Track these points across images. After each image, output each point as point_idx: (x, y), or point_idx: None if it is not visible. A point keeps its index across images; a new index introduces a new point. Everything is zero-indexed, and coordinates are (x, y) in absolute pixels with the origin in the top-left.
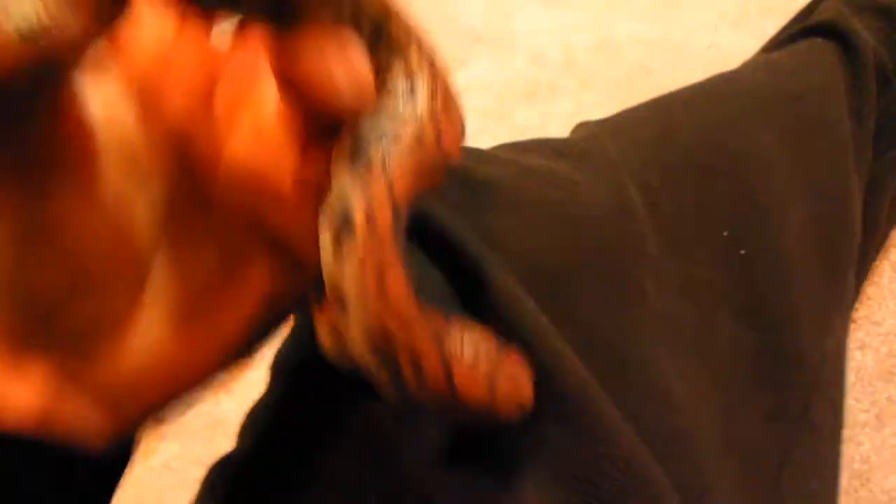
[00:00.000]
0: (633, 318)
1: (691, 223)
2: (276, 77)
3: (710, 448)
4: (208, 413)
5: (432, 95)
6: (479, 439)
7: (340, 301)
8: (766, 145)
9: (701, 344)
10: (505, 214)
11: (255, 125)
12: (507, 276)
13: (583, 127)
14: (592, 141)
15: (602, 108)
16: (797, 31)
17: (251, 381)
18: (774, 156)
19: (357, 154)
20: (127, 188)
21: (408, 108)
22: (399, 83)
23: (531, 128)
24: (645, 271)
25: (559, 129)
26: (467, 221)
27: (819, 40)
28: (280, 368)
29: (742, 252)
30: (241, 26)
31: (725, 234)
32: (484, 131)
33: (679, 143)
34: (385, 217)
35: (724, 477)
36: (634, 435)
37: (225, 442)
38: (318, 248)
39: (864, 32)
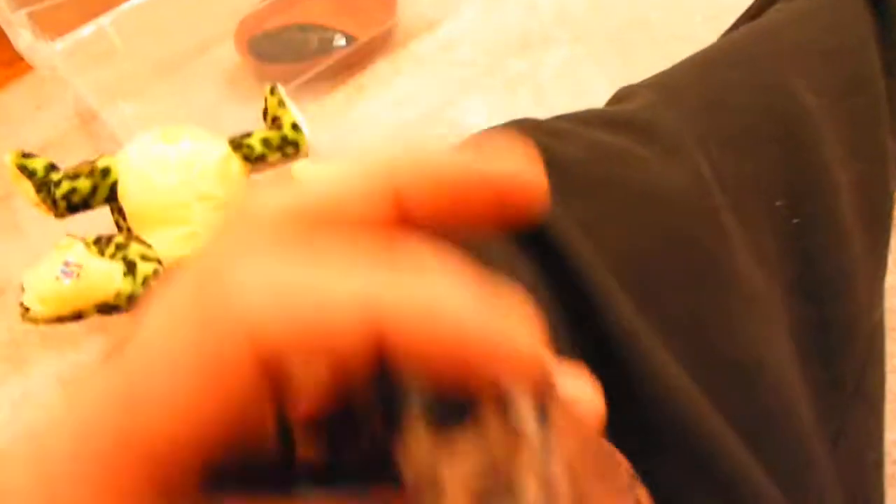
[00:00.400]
0: (724, 300)
1: (751, 193)
2: None
3: (806, 425)
4: None
5: None
6: None
7: None
8: (810, 107)
9: (777, 318)
10: (590, 199)
11: None
12: (605, 277)
13: (631, 92)
14: (651, 110)
15: (596, 59)
16: None
17: None
18: (819, 118)
19: None
20: None
21: None
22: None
23: (523, 78)
24: (728, 248)
25: (551, 80)
26: (559, 209)
27: None
28: None
29: (795, 221)
30: None
31: (779, 203)
32: (475, 83)
33: (730, 108)
34: None
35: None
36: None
37: None
38: None
39: None
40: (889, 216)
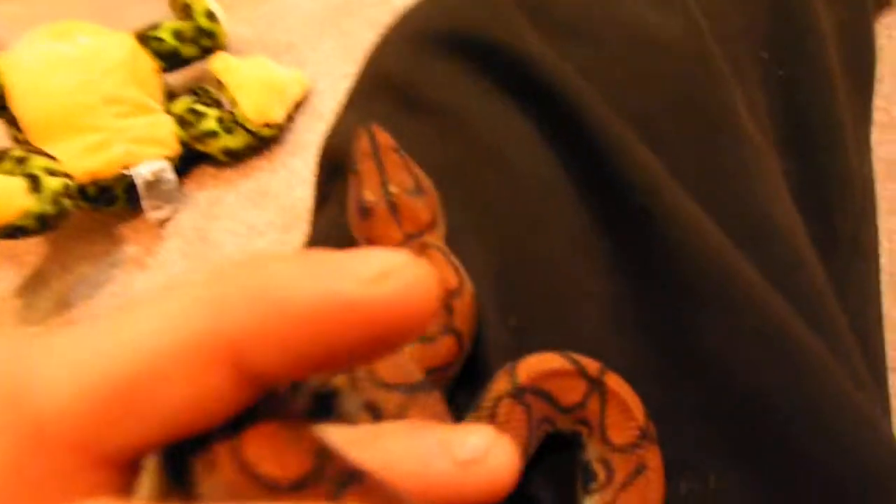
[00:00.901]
0: (735, 152)
1: (740, 44)
2: None
3: (820, 279)
4: (124, 293)
5: None
6: None
7: None
8: None
9: (777, 172)
10: (587, 44)
11: None
12: (607, 112)
13: None
14: None
15: None
16: None
17: (167, 256)
18: None
19: None
20: None
21: None
22: None
23: None
24: (731, 98)
25: None
26: (555, 55)
27: None
28: None
29: (780, 73)
30: None
31: (764, 55)
32: None
33: None
34: None
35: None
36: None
37: None
38: None
39: None
40: (872, 66)
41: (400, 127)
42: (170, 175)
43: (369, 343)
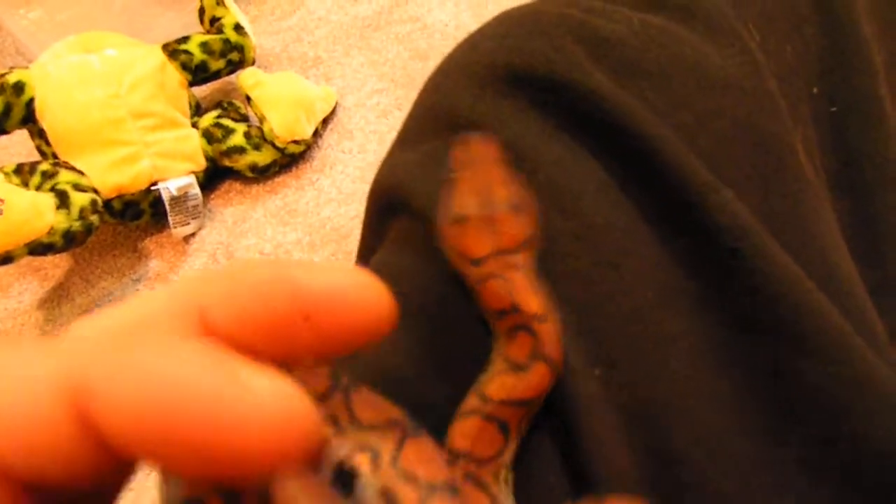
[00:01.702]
0: (796, 197)
1: (793, 79)
2: None
3: (881, 334)
4: None
5: None
6: None
7: None
8: None
9: (832, 215)
10: (651, 83)
11: None
12: (686, 152)
13: None
14: None
15: None
16: None
17: (192, 272)
18: None
19: None
20: None
21: None
22: None
23: None
24: (791, 138)
25: None
26: (623, 92)
27: None
28: None
29: (833, 110)
30: None
31: (816, 90)
32: None
33: None
34: None
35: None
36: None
37: None
38: None
39: None
40: None
41: None
42: (196, 191)
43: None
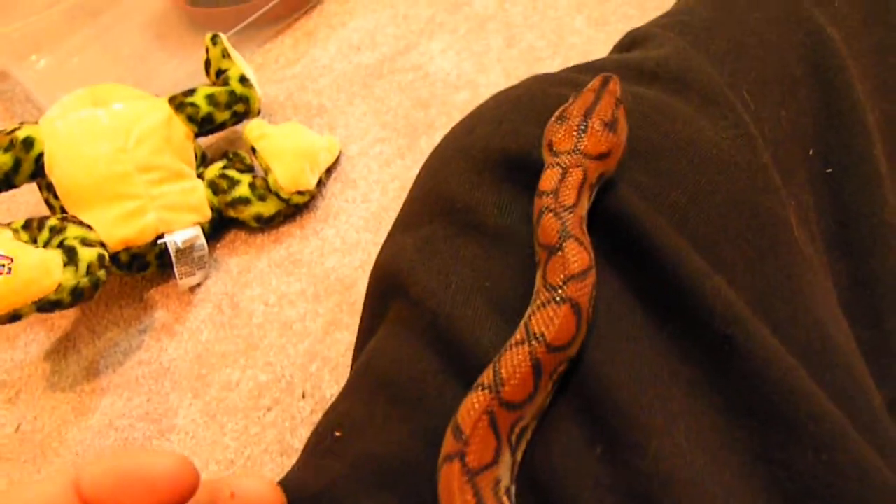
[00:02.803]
0: (790, 273)
1: (788, 143)
2: None
3: (878, 404)
4: (152, 360)
5: None
6: None
7: None
8: (836, 41)
9: (827, 283)
10: (644, 163)
11: None
12: (676, 236)
13: (647, 35)
14: (680, 57)
15: None
16: None
17: (197, 323)
18: (844, 52)
19: None
20: None
21: None
22: None
23: (491, 16)
24: (784, 211)
25: (522, 17)
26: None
27: None
28: None
29: (829, 171)
30: None
31: (812, 152)
32: (438, 22)
33: (759, 49)
34: None
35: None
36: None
37: (175, 393)
38: None
39: None
40: None
41: (461, 250)
42: (202, 241)
43: None
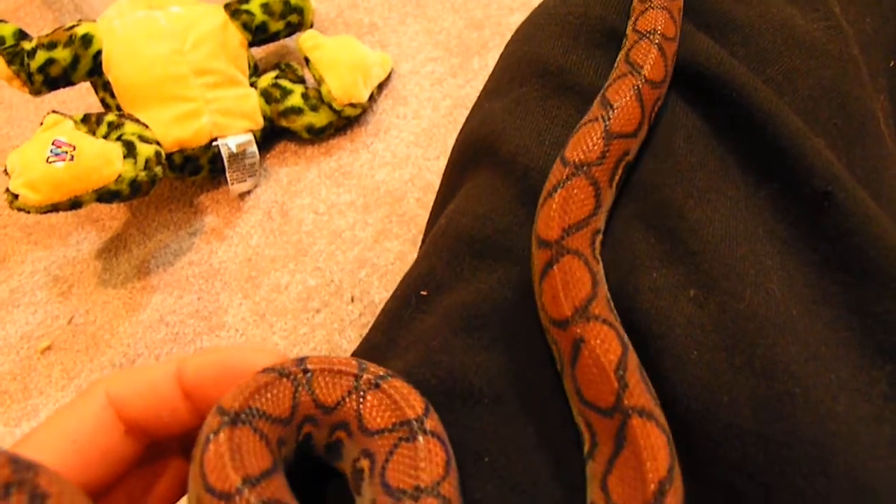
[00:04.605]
0: (878, 161)
1: (873, 49)
2: None
3: None
4: (202, 262)
5: None
6: None
7: None
8: None
9: None
10: (745, 38)
11: None
12: (777, 100)
13: None
14: None
15: None
16: None
17: (247, 228)
18: None
19: None
20: None
21: None
22: None
23: None
24: (872, 104)
25: None
26: (717, 47)
27: None
28: None
29: None
30: None
31: (892, 63)
32: None
33: None
34: None
35: None
36: None
37: (225, 294)
38: None
39: None
40: None
41: (554, 111)
42: (254, 148)
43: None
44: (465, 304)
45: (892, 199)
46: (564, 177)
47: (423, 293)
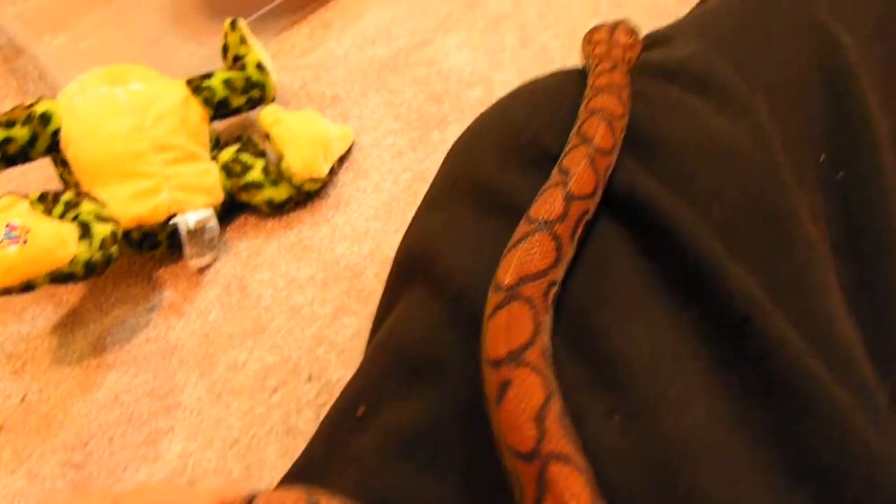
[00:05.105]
0: (802, 268)
1: (801, 147)
2: None
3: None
4: (159, 338)
5: None
6: None
7: None
8: (850, 49)
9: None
10: (668, 159)
11: None
12: (698, 224)
13: (667, 37)
14: (701, 58)
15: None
16: None
17: (205, 303)
18: (858, 61)
19: None
20: None
21: None
22: None
23: (506, 15)
24: (797, 209)
25: (536, 18)
26: (640, 170)
27: None
28: None
29: (839, 176)
30: None
31: (823, 157)
32: (454, 18)
33: (776, 54)
34: None
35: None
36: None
37: (181, 371)
38: None
39: None
40: None
41: (487, 229)
42: (213, 223)
43: None
44: (401, 423)
45: (816, 307)
46: (527, 232)
47: (361, 410)
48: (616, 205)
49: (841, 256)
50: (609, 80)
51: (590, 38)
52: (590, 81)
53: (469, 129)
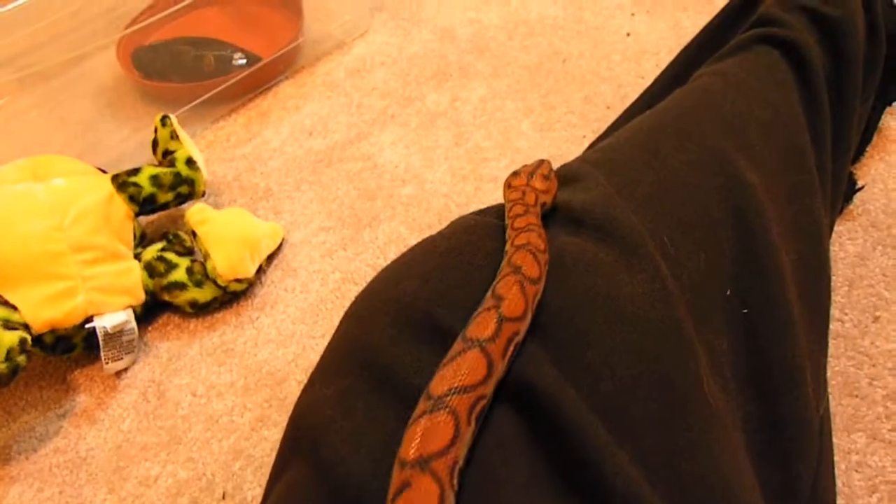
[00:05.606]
0: (696, 431)
1: (705, 288)
2: None
3: None
4: (69, 448)
5: None
6: None
7: None
8: (755, 186)
9: (733, 429)
10: (561, 328)
11: None
12: (593, 425)
13: (578, 174)
14: (606, 203)
15: (515, 94)
16: (745, 39)
17: (120, 410)
18: (762, 196)
19: None
20: None
21: None
22: None
23: (442, 112)
24: (696, 369)
25: (471, 116)
26: (532, 348)
27: (772, 52)
28: None
29: (744, 312)
30: None
31: (729, 292)
32: (390, 114)
33: (682, 193)
34: None
35: None
36: None
37: (89, 487)
38: None
39: (814, 46)
40: (829, 298)
41: (375, 410)
42: (132, 326)
43: None
44: None
45: (713, 465)
46: (462, 349)
47: None
48: (511, 390)
49: (746, 394)
50: (527, 222)
51: (509, 183)
52: (509, 223)
53: (363, 292)
